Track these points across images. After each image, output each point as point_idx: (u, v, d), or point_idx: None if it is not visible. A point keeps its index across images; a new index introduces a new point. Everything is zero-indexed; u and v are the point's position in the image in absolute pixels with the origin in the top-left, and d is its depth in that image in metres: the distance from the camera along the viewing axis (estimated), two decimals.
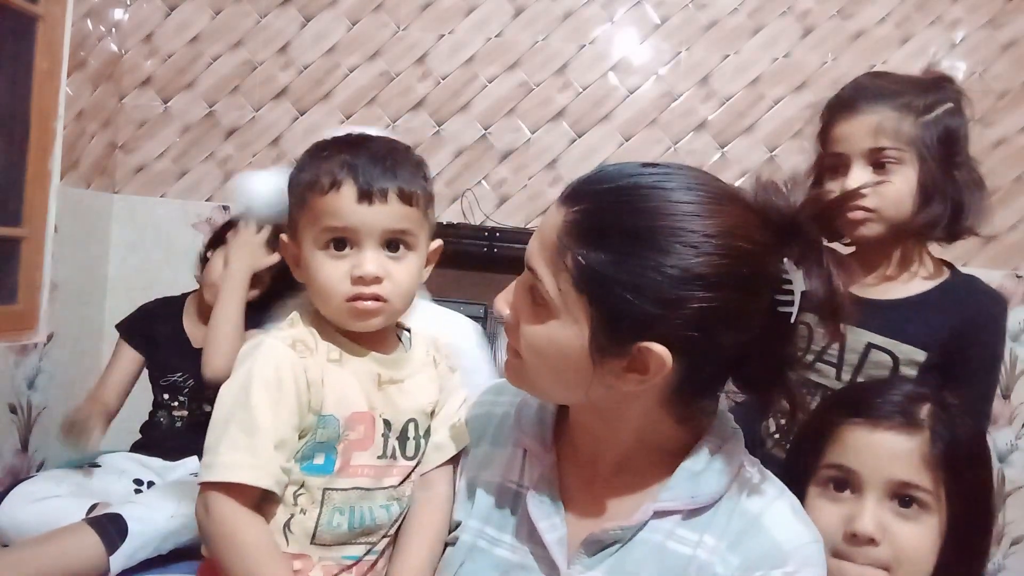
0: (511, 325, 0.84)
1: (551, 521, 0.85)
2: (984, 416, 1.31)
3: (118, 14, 2.66)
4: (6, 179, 2.31)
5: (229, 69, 2.70)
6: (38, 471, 2.35)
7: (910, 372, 1.25)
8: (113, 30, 2.64)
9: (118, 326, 2.11)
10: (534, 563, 0.85)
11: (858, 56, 2.54)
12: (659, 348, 0.74)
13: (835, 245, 1.29)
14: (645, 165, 0.80)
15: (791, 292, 0.80)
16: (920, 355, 1.25)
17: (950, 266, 1.34)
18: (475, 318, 2.35)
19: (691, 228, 0.74)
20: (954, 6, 2.53)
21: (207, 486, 0.83)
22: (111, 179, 2.71)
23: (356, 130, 0.96)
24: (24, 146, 2.32)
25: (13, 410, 2.29)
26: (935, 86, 1.27)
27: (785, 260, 0.80)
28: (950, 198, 1.23)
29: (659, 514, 0.82)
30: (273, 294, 1.67)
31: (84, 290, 2.57)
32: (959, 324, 1.25)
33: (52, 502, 1.77)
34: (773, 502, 0.83)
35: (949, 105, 1.26)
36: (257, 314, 1.58)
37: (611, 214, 0.76)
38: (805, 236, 0.78)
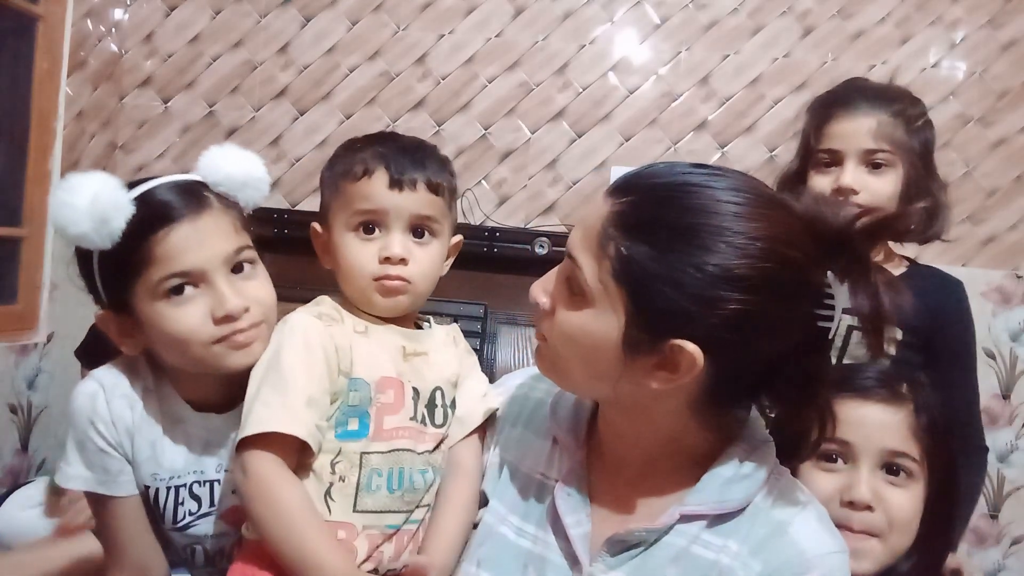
0: (546, 314, 0.83)
1: (577, 516, 0.85)
2: (974, 388, 1.42)
3: (118, 14, 2.66)
4: (6, 179, 2.31)
5: (229, 69, 2.70)
6: (38, 471, 2.36)
7: (889, 350, 1.31)
8: (113, 30, 2.64)
9: (77, 353, 1.94)
10: (556, 556, 0.85)
11: (858, 56, 2.54)
12: (691, 347, 0.74)
13: None
14: (696, 165, 0.80)
15: (831, 307, 0.79)
16: (897, 333, 1.32)
17: (907, 258, 1.43)
18: (475, 318, 2.36)
19: (735, 229, 0.73)
20: (954, 6, 2.53)
21: (243, 445, 0.83)
22: None
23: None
24: (24, 146, 2.32)
25: (13, 410, 2.29)
26: (914, 100, 1.38)
27: (829, 273, 0.79)
28: (926, 203, 1.33)
29: (685, 518, 0.81)
30: None
31: (84, 290, 2.56)
32: (934, 306, 1.34)
33: None
34: (800, 510, 0.82)
35: (928, 119, 1.37)
36: None
37: (657, 208, 0.76)
38: (854, 251, 0.77)
